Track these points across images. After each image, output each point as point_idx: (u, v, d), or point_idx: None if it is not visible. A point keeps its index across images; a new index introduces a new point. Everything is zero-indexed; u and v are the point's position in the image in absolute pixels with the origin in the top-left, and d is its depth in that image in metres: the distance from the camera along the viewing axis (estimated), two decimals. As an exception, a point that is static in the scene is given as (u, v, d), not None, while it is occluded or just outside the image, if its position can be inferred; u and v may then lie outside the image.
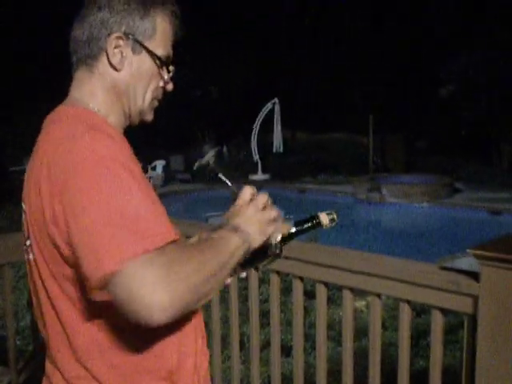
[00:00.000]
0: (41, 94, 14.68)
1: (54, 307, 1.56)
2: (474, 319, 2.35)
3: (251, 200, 1.62)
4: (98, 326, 1.52)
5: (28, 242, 1.59)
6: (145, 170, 18.09)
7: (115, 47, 1.60)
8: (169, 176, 18.46)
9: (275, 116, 19.36)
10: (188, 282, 1.34)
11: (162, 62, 1.66)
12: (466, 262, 2.43)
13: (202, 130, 21.85)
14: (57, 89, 2.38)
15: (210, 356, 3.66)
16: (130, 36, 1.60)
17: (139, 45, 1.61)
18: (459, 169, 18.09)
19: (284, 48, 25.89)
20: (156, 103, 1.73)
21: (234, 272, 1.60)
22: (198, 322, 1.69)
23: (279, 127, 19.46)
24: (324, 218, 1.73)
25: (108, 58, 1.61)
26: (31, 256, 1.60)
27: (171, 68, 1.71)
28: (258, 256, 1.64)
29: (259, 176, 18.75)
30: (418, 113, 22.02)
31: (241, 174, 19.18)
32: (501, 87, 18.75)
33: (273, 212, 1.62)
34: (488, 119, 19.20)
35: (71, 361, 1.57)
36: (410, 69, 23.04)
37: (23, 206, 1.59)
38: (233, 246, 1.50)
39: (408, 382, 2.67)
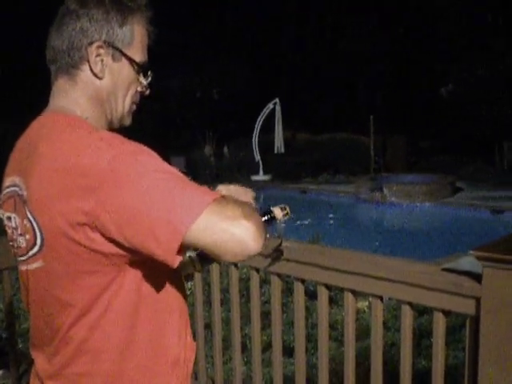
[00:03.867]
0: None
1: (69, 307, 1.57)
2: (476, 321, 2.34)
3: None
4: (114, 323, 1.57)
5: (32, 252, 1.59)
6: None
7: (96, 56, 1.62)
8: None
9: (276, 116, 19.34)
10: (256, 217, 1.47)
11: (140, 68, 1.70)
12: (468, 262, 2.42)
13: (202, 131, 21.85)
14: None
15: (212, 358, 3.68)
16: (110, 44, 1.63)
17: (119, 52, 1.65)
18: (461, 168, 18.07)
19: (285, 48, 25.88)
20: (134, 107, 1.78)
21: (195, 268, 1.73)
22: (187, 317, 1.78)
23: (280, 127, 19.44)
24: (278, 213, 1.79)
25: (90, 67, 1.63)
26: (36, 264, 1.59)
27: (149, 73, 1.75)
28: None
29: (260, 176, 18.74)
30: (420, 112, 22.00)
31: (242, 174, 19.18)
32: (502, 86, 18.73)
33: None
34: (489, 118, 19.17)
35: (78, 358, 1.60)
36: (411, 68, 23.04)
37: (29, 216, 1.56)
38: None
39: (410, 382, 2.66)
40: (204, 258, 1.65)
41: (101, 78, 1.64)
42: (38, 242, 1.56)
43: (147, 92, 1.78)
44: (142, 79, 1.73)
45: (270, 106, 19.26)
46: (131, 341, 1.60)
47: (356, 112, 22.86)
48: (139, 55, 1.69)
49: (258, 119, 19.23)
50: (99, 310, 1.55)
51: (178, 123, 22.84)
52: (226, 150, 21.50)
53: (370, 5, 24.23)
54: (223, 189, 1.82)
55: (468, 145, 19.28)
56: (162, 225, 1.39)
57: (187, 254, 1.63)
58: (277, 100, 19.25)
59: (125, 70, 1.68)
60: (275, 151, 19.54)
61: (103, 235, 1.45)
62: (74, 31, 1.61)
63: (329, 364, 3.01)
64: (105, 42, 1.62)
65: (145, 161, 1.45)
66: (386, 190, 14.61)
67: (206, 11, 24.44)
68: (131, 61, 1.67)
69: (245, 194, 1.83)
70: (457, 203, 14.22)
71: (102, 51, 1.62)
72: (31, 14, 19.89)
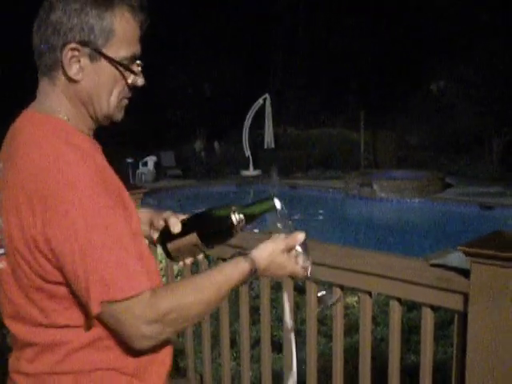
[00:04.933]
0: None
1: (24, 315, 1.56)
2: (464, 316, 2.34)
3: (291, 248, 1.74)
4: (67, 326, 1.54)
5: (1, 251, 1.57)
6: (136, 166, 18.08)
7: (71, 58, 1.53)
8: (160, 172, 18.49)
9: (266, 112, 19.36)
10: (184, 321, 1.51)
11: (123, 65, 1.58)
12: (457, 257, 2.42)
13: (193, 126, 21.82)
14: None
15: (201, 354, 3.67)
16: (86, 44, 1.52)
17: (97, 53, 1.54)
18: (450, 164, 18.13)
19: (275, 44, 25.85)
20: (126, 102, 1.67)
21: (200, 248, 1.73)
22: None
23: (270, 122, 19.47)
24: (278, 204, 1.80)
25: (65, 70, 1.54)
26: (1, 265, 1.58)
27: (138, 65, 1.63)
28: (221, 235, 1.73)
29: (250, 172, 18.75)
30: (409, 108, 22.01)
31: (232, 169, 19.19)
32: (491, 83, 18.77)
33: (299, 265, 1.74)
34: (479, 114, 19.20)
35: (41, 357, 1.57)
36: (401, 64, 23.05)
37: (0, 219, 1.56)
38: (243, 279, 1.68)
39: (398, 378, 2.67)
40: (207, 237, 1.66)
41: (77, 81, 1.55)
42: (4, 244, 1.56)
43: (140, 82, 1.65)
44: (127, 75, 1.60)
45: (260, 101, 19.28)
46: (96, 341, 1.55)
47: (346, 107, 22.88)
48: (124, 49, 1.56)
49: (248, 114, 19.25)
50: (45, 318, 1.54)
51: (169, 117, 22.79)
52: (216, 145, 21.51)
53: (369, 4, 24.17)
54: (263, 259, 1.68)
55: (458, 141, 19.31)
56: (93, 276, 1.40)
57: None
58: (267, 95, 19.28)
59: (106, 69, 1.56)
60: (265, 146, 19.56)
61: (45, 258, 1.45)
62: (50, 29, 1.53)
63: (318, 359, 3.01)
64: (80, 42, 1.52)
65: (97, 204, 1.43)
66: (375, 186, 14.65)
67: (196, 6, 24.35)
68: (111, 60, 1.55)
69: (284, 267, 1.72)
70: (446, 198, 14.28)
71: (76, 53, 1.52)
72: (31, 14, 19.69)
